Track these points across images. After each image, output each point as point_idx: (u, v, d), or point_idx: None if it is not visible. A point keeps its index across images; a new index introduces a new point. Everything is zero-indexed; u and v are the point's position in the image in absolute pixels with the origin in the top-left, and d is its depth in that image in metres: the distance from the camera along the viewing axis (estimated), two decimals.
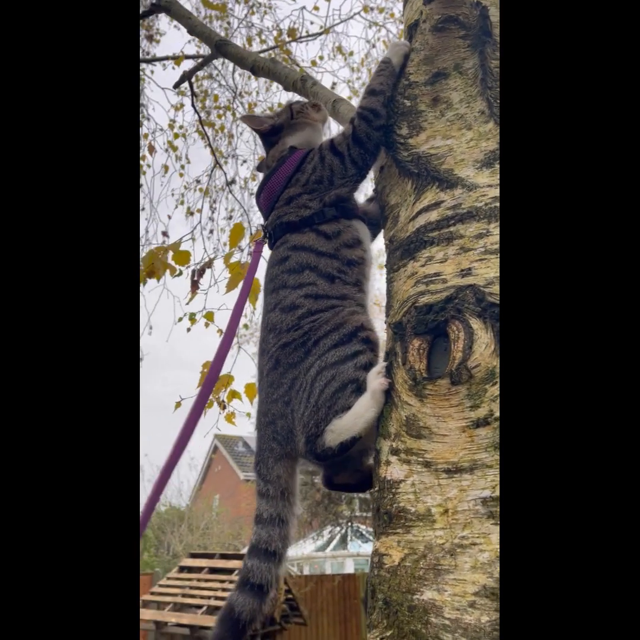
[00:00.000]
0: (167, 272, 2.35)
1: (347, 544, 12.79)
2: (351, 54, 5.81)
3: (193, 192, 5.87)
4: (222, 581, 6.31)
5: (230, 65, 6.01)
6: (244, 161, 6.32)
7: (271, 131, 1.39)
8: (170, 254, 2.32)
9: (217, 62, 6.13)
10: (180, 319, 2.60)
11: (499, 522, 0.75)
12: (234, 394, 2.44)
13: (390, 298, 1.09)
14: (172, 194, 5.49)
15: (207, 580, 6.39)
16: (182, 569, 6.91)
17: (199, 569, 6.61)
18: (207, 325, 2.56)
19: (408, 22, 1.34)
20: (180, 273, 2.27)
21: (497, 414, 0.80)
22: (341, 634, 8.46)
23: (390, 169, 1.20)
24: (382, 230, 1.21)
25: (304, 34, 5.39)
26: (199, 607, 5.93)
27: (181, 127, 5.35)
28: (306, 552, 13.89)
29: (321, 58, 5.54)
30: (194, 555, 7.43)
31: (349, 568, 12.48)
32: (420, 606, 0.77)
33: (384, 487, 0.90)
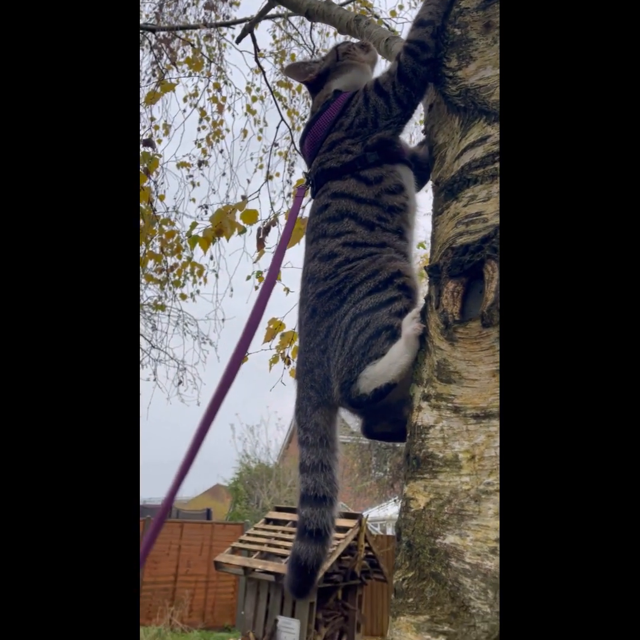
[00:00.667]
0: (236, 230, 2.39)
1: None
2: None
3: (272, 155, 5.91)
4: None
5: (308, 23, 5.91)
6: None
7: (317, 80, 1.35)
8: (238, 212, 2.36)
9: (296, 21, 6.04)
10: (248, 277, 2.67)
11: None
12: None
13: (433, 242, 1.05)
14: (251, 158, 5.55)
15: (291, 533, 6.67)
16: (268, 520, 7.26)
17: (283, 522, 6.91)
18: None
19: None
20: (245, 230, 2.30)
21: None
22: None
23: (439, 107, 1.13)
24: (431, 173, 1.15)
25: None
26: (283, 557, 6.22)
27: (258, 89, 5.36)
28: (388, 514, 14.09)
29: (401, 7, 5.29)
30: (279, 509, 7.76)
31: None
32: (442, 550, 0.75)
33: (414, 433, 0.88)
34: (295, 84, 5.53)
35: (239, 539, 7.15)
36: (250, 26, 2.45)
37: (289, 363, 2.49)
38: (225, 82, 5.16)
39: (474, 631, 0.68)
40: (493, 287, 0.80)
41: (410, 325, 0.93)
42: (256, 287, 2.65)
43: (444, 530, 0.76)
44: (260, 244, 2.34)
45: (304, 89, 5.70)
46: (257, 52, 2.82)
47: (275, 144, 5.77)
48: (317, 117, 1.27)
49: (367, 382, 0.99)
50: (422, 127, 1.23)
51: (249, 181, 6.10)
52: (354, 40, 1.49)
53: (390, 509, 14.23)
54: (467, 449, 0.78)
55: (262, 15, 2.73)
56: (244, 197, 5.51)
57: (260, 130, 5.59)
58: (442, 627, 0.71)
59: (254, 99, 5.36)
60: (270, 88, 3.54)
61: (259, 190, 2.52)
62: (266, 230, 2.35)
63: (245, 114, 5.49)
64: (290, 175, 5.57)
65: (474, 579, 0.71)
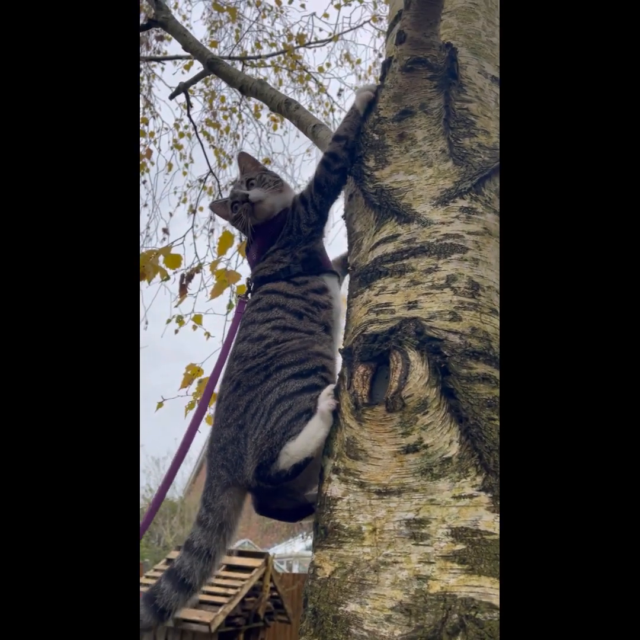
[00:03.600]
0: (158, 275, 2.41)
1: None
2: (359, 61, 5.88)
3: (196, 190, 5.95)
4: None
5: (239, 66, 6.09)
6: None
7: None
8: (162, 257, 2.39)
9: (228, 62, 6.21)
10: (168, 321, 2.68)
11: (419, 543, 0.82)
12: (216, 397, 2.50)
13: (348, 323, 1.16)
14: (175, 192, 5.56)
15: None
16: (168, 561, 6.99)
17: None
18: (194, 327, 2.63)
19: (387, 56, 1.40)
20: (168, 277, 2.33)
21: (426, 441, 0.87)
22: None
23: (357, 198, 1.26)
24: (348, 257, 1.28)
25: (312, 40, 5.45)
26: None
27: (186, 126, 5.42)
28: (296, 551, 13.95)
29: (328, 65, 5.63)
30: (180, 548, 7.50)
31: None
32: (344, 617, 0.83)
33: (323, 503, 0.96)
34: (223, 124, 5.66)
35: None
36: (184, 87, 2.53)
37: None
38: (154, 116, 5.18)
39: None
40: (397, 376, 0.91)
41: (325, 400, 1.02)
42: (176, 331, 2.68)
43: (346, 598, 0.84)
44: (183, 290, 2.38)
45: (232, 128, 5.80)
46: (189, 109, 2.91)
47: (200, 180, 5.83)
48: (262, 227, 1.39)
49: (287, 458, 1.04)
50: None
51: (171, 214, 6.03)
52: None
53: (297, 546, 14.10)
54: (369, 522, 0.87)
55: (197, 79, 2.83)
56: (165, 230, 5.49)
57: (186, 165, 5.64)
58: None
59: (181, 135, 5.41)
60: (197, 133, 3.60)
61: (183, 236, 2.57)
62: (189, 277, 2.39)
63: (172, 148, 5.52)
64: (213, 221, 5.63)
65: None
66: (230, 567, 6.41)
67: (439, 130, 1.17)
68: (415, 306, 1.00)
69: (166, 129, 5.39)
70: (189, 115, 2.97)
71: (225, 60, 5.90)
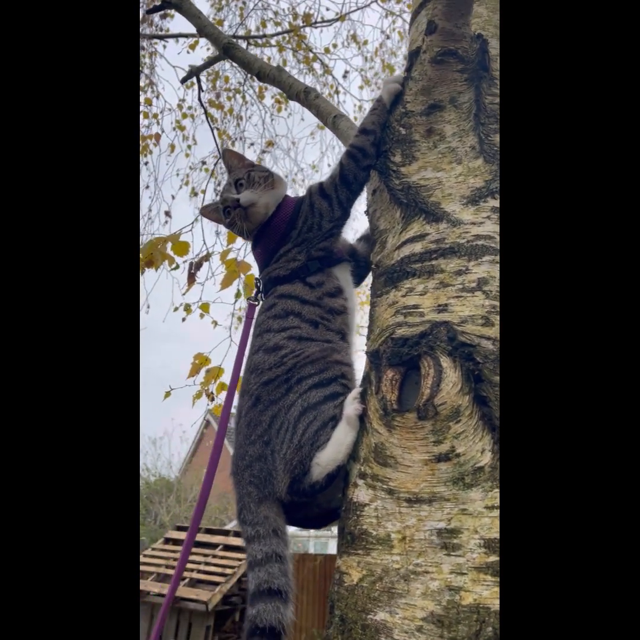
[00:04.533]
0: (165, 262, 2.38)
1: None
2: (365, 43, 5.77)
3: (198, 172, 5.87)
4: (206, 555, 6.45)
5: (244, 45, 5.97)
6: (252, 144, 6.29)
7: None
8: (170, 244, 2.35)
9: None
10: (176, 309, 2.65)
11: (451, 554, 0.81)
12: (222, 386, 2.49)
13: (372, 322, 1.14)
14: (177, 174, 5.48)
15: (191, 553, 6.52)
16: (167, 540, 7.04)
17: (183, 542, 6.73)
18: (202, 315, 2.60)
19: (411, 46, 1.36)
20: (178, 266, 2.30)
21: (459, 450, 0.85)
22: (320, 612, 8.67)
23: (382, 194, 1.23)
24: (371, 254, 1.25)
25: (319, 19, 5.34)
26: (182, 579, 6.06)
27: (190, 107, 5.32)
28: (291, 530, 14.12)
29: (335, 46, 5.51)
30: (179, 528, 7.55)
31: (332, 549, 12.69)
32: (373, 626, 0.82)
33: (349, 508, 0.95)
34: (227, 105, 5.57)
35: None
36: (197, 71, 2.47)
37: (212, 399, 2.50)
38: (157, 96, 5.08)
39: None
40: (429, 382, 0.89)
41: (351, 405, 1.00)
42: (183, 319, 2.66)
43: (375, 607, 0.84)
44: (191, 278, 2.35)
45: (236, 110, 5.72)
46: (200, 93, 2.84)
47: (203, 162, 5.75)
48: (267, 225, 1.32)
49: (319, 469, 1.01)
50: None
51: (173, 197, 5.96)
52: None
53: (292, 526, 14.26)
54: (398, 530, 0.86)
55: (211, 63, 2.76)
56: (167, 213, 5.42)
57: (189, 147, 5.55)
58: None
59: (185, 116, 5.32)
60: (208, 117, 3.52)
61: (191, 223, 2.53)
62: (198, 266, 2.36)
63: (174, 129, 5.43)
64: (217, 195, 5.56)
65: None
66: (228, 547, 6.47)
67: (469, 126, 1.13)
68: (445, 310, 0.97)
69: (169, 109, 5.31)
70: (199, 99, 2.90)
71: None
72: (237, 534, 6.56)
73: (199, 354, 2.39)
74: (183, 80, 2.62)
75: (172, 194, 7.27)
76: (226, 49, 1.90)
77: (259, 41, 5.50)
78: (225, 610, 5.91)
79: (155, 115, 4.99)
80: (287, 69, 6.05)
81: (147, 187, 5.43)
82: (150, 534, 12.82)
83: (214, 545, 6.51)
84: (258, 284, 1.33)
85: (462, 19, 1.13)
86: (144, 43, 5.31)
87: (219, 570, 6.09)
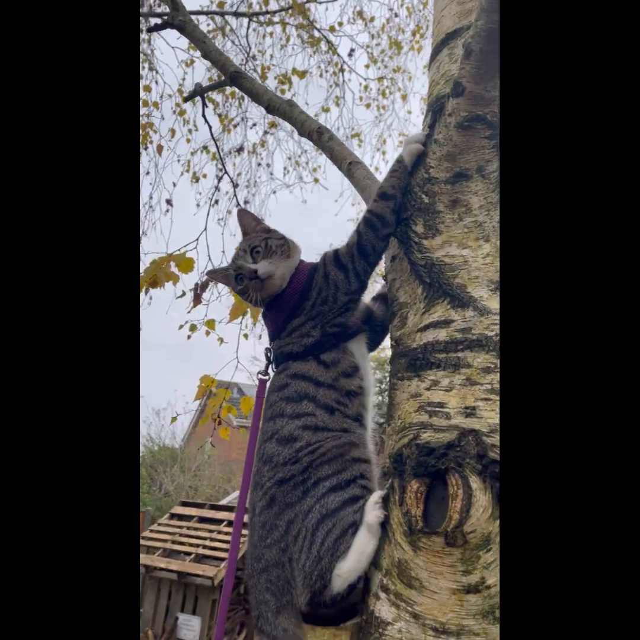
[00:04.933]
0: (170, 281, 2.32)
1: None
2: (372, 19, 5.53)
3: (199, 154, 5.71)
4: (211, 531, 6.56)
5: (244, 23, 5.73)
6: (254, 124, 6.10)
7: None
8: (173, 263, 2.29)
9: (231, 16, 5.84)
10: (180, 327, 2.60)
11: None
12: (229, 409, 2.46)
13: (392, 408, 1.08)
14: (178, 160, 5.33)
15: (196, 529, 6.64)
16: (172, 516, 7.15)
17: (189, 517, 6.84)
18: (208, 333, 2.55)
19: (431, 89, 1.26)
20: (184, 294, 2.24)
21: (489, 581, 0.81)
22: None
23: (402, 263, 1.16)
24: (390, 326, 1.19)
25: None
26: (188, 554, 6.19)
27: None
28: None
29: (340, 24, 5.27)
30: (185, 504, 7.67)
31: None
32: None
33: (371, 622, 0.92)
34: (228, 89, 5.37)
35: (141, 536, 6.99)
36: (201, 91, 2.33)
37: (219, 423, 2.47)
38: (156, 82, 4.90)
39: None
40: (457, 506, 0.85)
41: (372, 511, 0.96)
42: (189, 336, 2.59)
43: None
44: (197, 299, 2.29)
45: (238, 93, 5.53)
46: (204, 109, 2.70)
47: (204, 147, 5.59)
48: (280, 295, 1.25)
49: (340, 581, 0.97)
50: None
51: (174, 184, 5.80)
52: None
53: None
54: None
55: (217, 86, 2.60)
56: (168, 201, 5.30)
57: (189, 131, 5.38)
58: None
59: (185, 100, 5.11)
60: (214, 138, 3.36)
61: (197, 239, 2.44)
62: (204, 286, 2.29)
63: (174, 113, 5.26)
64: (219, 181, 5.42)
65: None
66: (232, 523, 6.58)
67: (497, 199, 1.06)
68: (473, 414, 0.92)
69: (169, 95, 5.12)
70: (203, 115, 2.76)
71: (232, 21, 5.53)
72: None
73: (205, 376, 2.36)
74: (186, 100, 2.49)
75: (173, 181, 7.09)
76: (233, 78, 1.77)
77: (262, 19, 5.27)
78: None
79: (155, 104, 4.81)
80: (289, 47, 5.84)
81: (148, 173, 5.29)
82: (155, 503, 13.06)
83: (219, 521, 6.61)
84: (268, 354, 1.27)
85: (492, 81, 1.04)
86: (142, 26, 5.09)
87: (224, 545, 6.20)
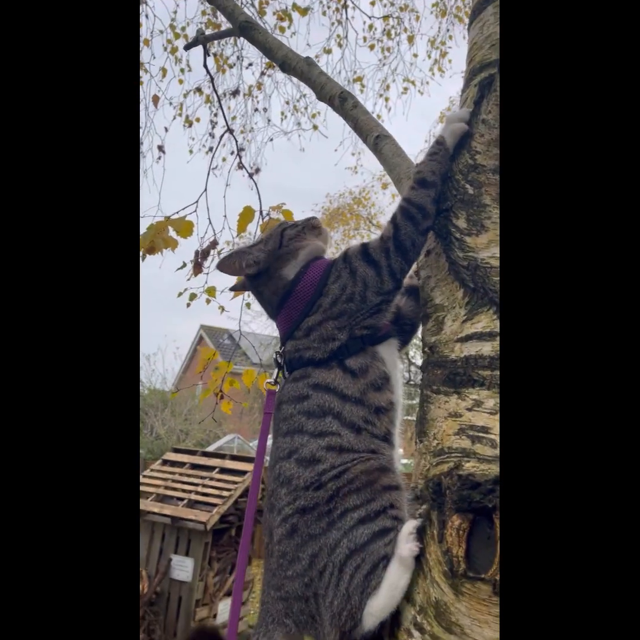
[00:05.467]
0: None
1: None
2: None
3: (192, 95, 5.38)
4: (203, 477, 6.67)
5: None
6: (250, 64, 5.72)
7: (258, 273, 1.19)
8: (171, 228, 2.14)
9: None
10: (179, 294, 2.46)
11: None
12: (231, 382, 2.37)
13: (425, 422, 0.99)
14: (171, 103, 5.01)
15: (188, 476, 6.75)
16: (165, 462, 7.25)
17: (181, 464, 6.94)
18: (208, 301, 2.42)
19: (474, 56, 1.10)
20: (184, 265, 2.09)
21: None
22: None
23: (439, 259, 1.04)
24: (423, 331, 1.08)
25: None
26: (180, 499, 6.30)
27: (183, 28, 4.77)
28: None
29: None
30: (176, 450, 7.76)
31: None
32: None
33: None
34: (225, 25, 4.99)
35: None
36: (204, 40, 2.08)
37: (221, 397, 2.38)
38: (146, 16, 4.52)
39: None
40: None
41: (406, 544, 0.88)
42: (188, 304, 2.45)
43: None
44: (198, 268, 2.14)
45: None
46: (205, 58, 2.44)
47: (198, 88, 5.26)
48: (291, 292, 1.12)
49: (372, 619, 0.89)
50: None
51: (166, 129, 5.46)
52: (302, 216, 1.31)
53: None
54: None
55: (221, 36, 2.34)
56: (160, 148, 5.02)
57: (182, 71, 5.05)
58: None
59: (177, 36, 4.77)
60: (214, 86, 3.09)
61: (196, 201, 2.26)
62: (205, 254, 2.14)
63: (165, 50, 4.90)
64: (213, 128, 5.14)
65: None
66: (224, 471, 6.68)
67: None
68: None
69: (160, 31, 4.74)
70: (205, 65, 2.50)
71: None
72: (233, 458, 6.75)
73: (206, 349, 2.25)
74: (187, 47, 2.24)
75: (165, 125, 6.72)
76: (243, 29, 1.56)
77: None
78: (222, 528, 6.17)
79: (146, 41, 4.46)
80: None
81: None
82: (146, 446, 13.26)
83: (211, 468, 6.71)
84: (279, 360, 1.13)
85: None
86: None
87: (216, 492, 6.31)
